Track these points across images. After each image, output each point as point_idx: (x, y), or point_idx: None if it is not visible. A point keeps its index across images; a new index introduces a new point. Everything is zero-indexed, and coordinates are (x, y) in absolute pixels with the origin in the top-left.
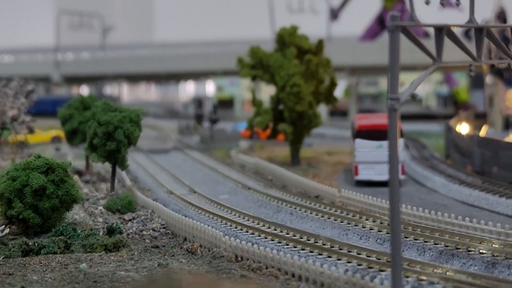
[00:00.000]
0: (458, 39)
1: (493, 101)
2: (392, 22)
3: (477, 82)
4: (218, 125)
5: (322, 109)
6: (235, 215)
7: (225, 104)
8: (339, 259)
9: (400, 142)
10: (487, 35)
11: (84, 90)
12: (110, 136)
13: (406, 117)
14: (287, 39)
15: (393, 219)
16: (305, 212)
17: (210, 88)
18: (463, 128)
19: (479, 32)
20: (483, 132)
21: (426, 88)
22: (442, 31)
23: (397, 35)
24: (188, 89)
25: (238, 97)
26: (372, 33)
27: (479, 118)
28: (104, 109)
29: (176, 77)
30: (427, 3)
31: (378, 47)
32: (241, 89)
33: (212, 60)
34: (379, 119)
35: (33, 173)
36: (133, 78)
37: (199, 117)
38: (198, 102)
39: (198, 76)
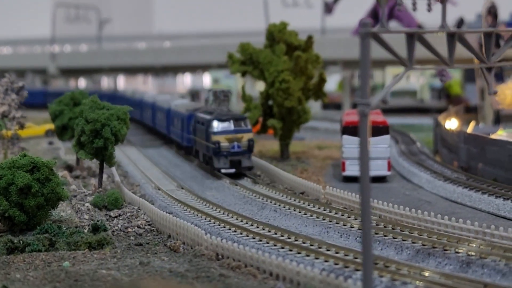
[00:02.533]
0: (430, 45)
1: (484, 95)
2: (363, 29)
3: (470, 76)
4: None
5: (315, 102)
6: (219, 212)
7: None
8: (317, 258)
9: (387, 138)
10: (459, 39)
11: (82, 83)
12: (97, 134)
13: (399, 111)
14: (276, 36)
15: (364, 224)
16: (289, 209)
17: (206, 80)
18: (452, 123)
19: (451, 37)
20: (471, 127)
21: (420, 80)
22: (414, 37)
23: (368, 42)
24: (185, 81)
25: (234, 89)
26: None
27: (470, 112)
28: (91, 107)
29: (173, 70)
30: (399, 4)
31: (372, 41)
32: (237, 81)
33: (207, 53)
34: (370, 116)
35: (18, 172)
36: (130, 71)
37: None
38: (192, 95)
39: (194, 69)
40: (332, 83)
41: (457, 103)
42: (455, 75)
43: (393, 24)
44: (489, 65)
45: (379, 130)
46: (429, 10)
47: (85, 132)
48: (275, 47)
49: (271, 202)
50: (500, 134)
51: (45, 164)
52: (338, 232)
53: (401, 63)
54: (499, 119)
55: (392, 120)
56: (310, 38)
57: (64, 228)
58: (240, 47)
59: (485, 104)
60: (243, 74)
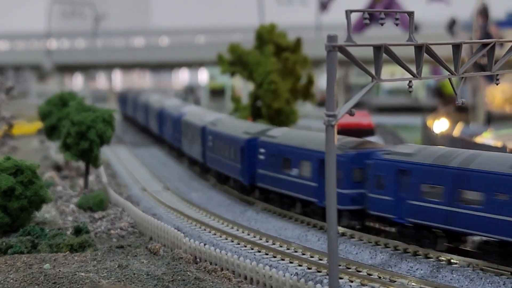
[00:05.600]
0: (397, 57)
1: (476, 94)
2: (329, 43)
3: None
4: None
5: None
6: (202, 214)
7: (217, 93)
8: (291, 262)
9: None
10: (426, 51)
11: (78, 80)
12: (83, 136)
13: (394, 109)
14: (265, 37)
15: (330, 229)
16: (269, 211)
17: (203, 76)
18: (442, 123)
19: (418, 49)
20: (458, 129)
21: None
22: (381, 49)
23: (335, 55)
24: (181, 77)
25: (230, 86)
26: (360, 26)
27: (461, 112)
28: (77, 109)
29: (169, 66)
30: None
31: (366, 39)
32: (232, 78)
33: (202, 50)
34: (355, 118)
35: (2, 175)
36: (126, 66)
37: None
38: (186, 92)
39: (190, 65)
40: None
41: (450, 102)
42: None
43: (388, 23)
44: (458, 76)
45: (365, 132)
46: (397, 24)
47: (71, 134)
48: (264, 48)
49: (253, 205)
50: (486, 136)
51: (28, 167)
52: (316, 236)
53: (369, 75)
54: (490, 119)
55: (386, 119)
56: (298, 40)
57: (47, 230)
58: (230, 48)
59: (476, 105)
60: (232, 74)
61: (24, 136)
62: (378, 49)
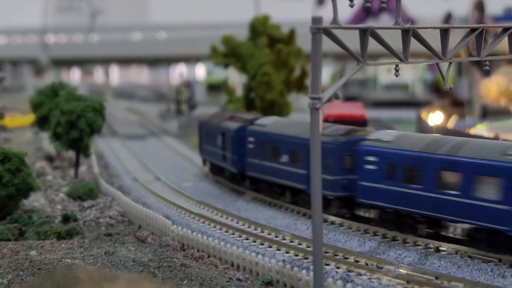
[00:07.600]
0: (383, 40)
1: (472, 88)
2: (313, 25)
3: (462, 70)
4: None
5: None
6: (192, 203)
7: (215, 88)
8: (278, 249)
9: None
10: (413, 35)
11: (75, 74)
12: (73, 125)
13: (391, 104)
14: (259, 28)
15: (314, 215)
16: (259, 201)
17: (200, 71)
18: (436, 116)
19: (405, 33)
20: (452, 121)
21: (412, 74)
22: (367, 32)
23: (320, 37)
24: (178, 72)
25: (223, 79)
26: (357, 20)
27: (457, 106)
28: (67, 98)
29: (166, 61)
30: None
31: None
32: (230, 73)
33: (199, 45)
34: (348, 109)
35: None
36: (123, 61)
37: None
38: (177, 90)
39: (187, 59)
40: (324, 75)
41: (448, 97)
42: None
43: (385, 17)
44: (445, 61)
45: (358, 123)
46: (384, 8)
47: (61, 123)
48: (257, 40)
49: (244, 194)
50: (479, 128)
51: (16, 154)
52: (305, 224)
53: (355, 58)
54: (485, 113)
55: (382, 114)
56: (292, 32)
57: (35, 218)
58: (223, 39)
59: (472, 98)
60: (226, 66)
61: (19, 128)
62: (364, 32)
